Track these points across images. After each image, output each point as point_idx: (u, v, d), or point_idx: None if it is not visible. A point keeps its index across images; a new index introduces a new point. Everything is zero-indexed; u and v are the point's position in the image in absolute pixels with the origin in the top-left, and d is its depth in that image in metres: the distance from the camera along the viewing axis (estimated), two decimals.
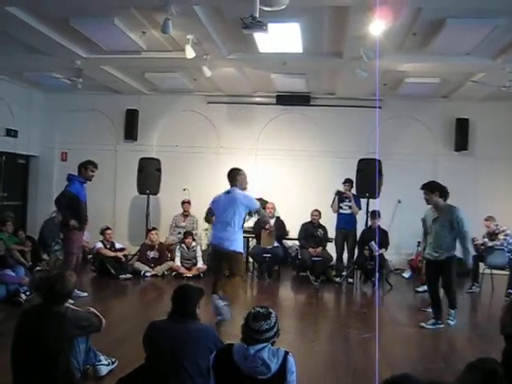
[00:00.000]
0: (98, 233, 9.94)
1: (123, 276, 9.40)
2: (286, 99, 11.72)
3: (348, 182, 9.83)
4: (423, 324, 6.64)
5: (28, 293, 7.11)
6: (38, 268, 9.35)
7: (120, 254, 9.66)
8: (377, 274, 9.20)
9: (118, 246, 9.95)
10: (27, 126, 11.83)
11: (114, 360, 4.63)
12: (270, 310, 3.34)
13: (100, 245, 9.64)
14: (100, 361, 4.46)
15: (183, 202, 11.03)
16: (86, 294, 7.73)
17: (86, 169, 7.71)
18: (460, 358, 5.53)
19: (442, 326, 6.59)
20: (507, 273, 8.94)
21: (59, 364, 3.82)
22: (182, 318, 3.72)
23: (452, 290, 6.71)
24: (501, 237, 9.13)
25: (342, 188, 9.84)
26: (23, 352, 3.80)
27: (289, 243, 10.66)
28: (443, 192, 6.67)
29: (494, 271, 9.14)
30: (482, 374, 2.49)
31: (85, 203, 7.73)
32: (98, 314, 4.40)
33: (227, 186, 11.42)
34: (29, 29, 7.40)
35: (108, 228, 9.98)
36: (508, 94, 9.19)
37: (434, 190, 6.65)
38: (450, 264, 6.57)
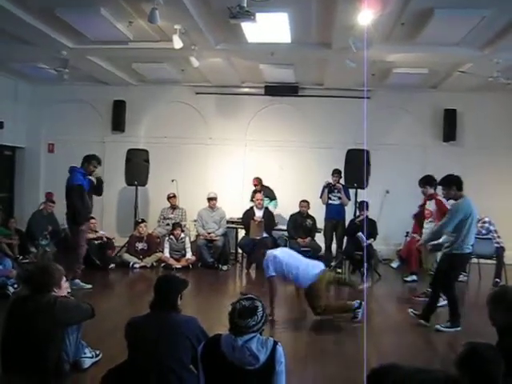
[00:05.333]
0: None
1: (112, 266, 9.46)
2: (275, 90, 11.70)
3: (337, 172, 9.85)
4: (438, 326, 6.17)
5: (16, 285, 7.05)
6: (25, 260, 9.31)
7: (101, 235, 9.66)
8: (365, 265, 9.25)
9: (102, 233, 9.91)
10: (13, 117, 11.73)
11: (97, 353, 4.60)
12: (256, 304, 3.24)
13: None
14: (84, 353, 4.44)
15: (169, 197, 10.98)
16: (90, 286, 7.81)
17: (90, 163, 7.72)
18: (448, 346, 5.59)
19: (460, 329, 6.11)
20: (495, 262, 9.02)
21: (49, 354, 3.82)
22: (163, 308, 3.70)
23: (449, 293, 6.31)
24: (479, 224, 9.18)
25: (330, 179, 9.86)
26: (13, 343, 3.79)
27: (278, 234, 10.68)
28: (460, 184, 6.25)
29: (482, 260, 9.20)
30: (461, 353, 2.52)
31: (89, 194, 7.75)
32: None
33: (215, 178, 11.53)
34: (14, 19, 7.30)
35: (92, 217, 9.90)
36: (495, 84, 9.25)
37: (451, 184, 6.27)
38: (447, 260, 6.24)
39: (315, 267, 6.42)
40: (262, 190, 10.63)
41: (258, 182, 10.75)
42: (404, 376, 2.54)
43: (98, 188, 7.96)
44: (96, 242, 9.51)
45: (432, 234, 6.56)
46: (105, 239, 9.66)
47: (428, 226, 7.54)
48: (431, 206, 7.50)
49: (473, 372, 2.48)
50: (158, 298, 3.75)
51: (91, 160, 7.73)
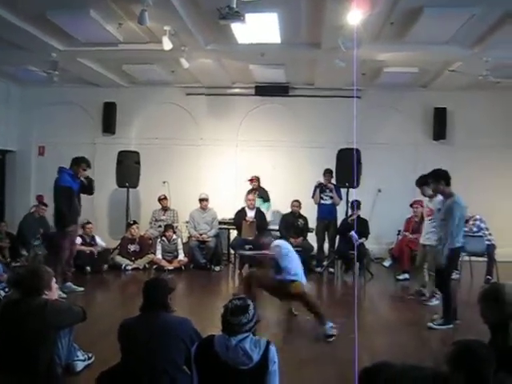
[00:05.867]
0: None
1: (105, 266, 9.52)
2: (265, 90, 11.71)
3: (328, 172, 9.88)
4: (430, 324, 6.24)
5: (7, 289, 6.98)
6: (16, 264, 9.26)
7: (93, 249, 9.54)
8: (357, 264, 9.29)
9: (98, 240, 9.86)
10: (4, 120, 11.69)
11: (90, 355, 4.59)
12: (248, 302, 3.32)
13: (78, 241, 9.43)
14: (77, 356, 4.43)
15: (160, 199, 10.96)
16: (82, 289, 7.77)
17: (79, 166, 7.60)
18: (440, 343, 5.61)
19: (452, 326, 6.23)
20: (486, 259, 9.06)
21: (41, 358, 3.80)
22: (153, 309, 3.71)
23: (444, 290, 6.37)
24: (470, 222, 9.24)
25: (322, 179, 9.88)
26: (4, 346, 3.77)
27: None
28: (448, 179, 6.28)
29: (473, 258, 9.25)
30: (459, 355, 2.53)
31: (78, 195, 7.66)
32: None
33: (206, 179, 11.52)
34: (4, 22, 7.28)
35: (88, 222, 9.87)
36: (485, 83, 9.32)
37: (439, 178, 6.30)
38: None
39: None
40: (258, 190, 10.64)
41: (256, 179, 10.71)
42: (396, 374, 2.54)
43: (88, 187, 7.88)
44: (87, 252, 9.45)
45: (451, 238, 6.29)
46: (95, 252, 9.55)
47: (428, 224, 7.57)
48: (431, 204, 7.51)
49: (466, 370, 2.48)
50: (147, 302, 3.76)
51: (80, 163, 7.62)
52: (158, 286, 3.85)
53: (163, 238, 10.01)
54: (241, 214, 10.11)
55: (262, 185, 10.86)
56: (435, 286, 6.72)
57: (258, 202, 10.43)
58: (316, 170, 10.24)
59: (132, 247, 9.93)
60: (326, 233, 9.98)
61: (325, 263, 9.86)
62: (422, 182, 7.52)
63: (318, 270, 9.74)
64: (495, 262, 9.02)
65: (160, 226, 10.64)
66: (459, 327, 6.08)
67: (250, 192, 10.43)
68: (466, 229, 8.97)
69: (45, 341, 3.85)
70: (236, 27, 7.44)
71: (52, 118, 12.16)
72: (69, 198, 7.43)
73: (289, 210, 10.13)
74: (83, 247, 9.39)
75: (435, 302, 7.19)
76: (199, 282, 9.08)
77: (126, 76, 11.22)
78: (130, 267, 9.64)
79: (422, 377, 2.54)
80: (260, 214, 10.13)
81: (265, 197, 10.74)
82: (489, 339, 3.22)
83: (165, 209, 10.98)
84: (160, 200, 10.94)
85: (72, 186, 7.50)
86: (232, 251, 10.53)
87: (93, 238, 9.78)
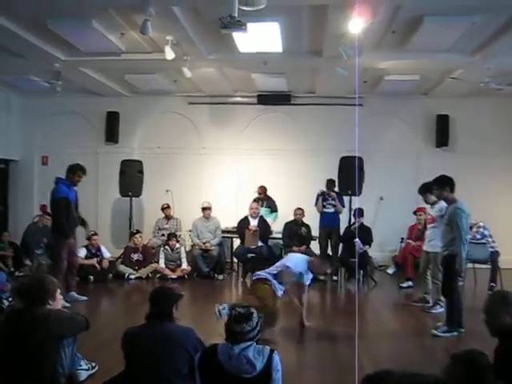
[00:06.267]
0: (82, 237, 9.79)
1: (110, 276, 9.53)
2: (267, 99, 11.73)
3: (330, 183, 9.87)
4: (434, 331, 6.20)
5: (10, 299, 6.98)
6: (20, 274, 9.27)
7: (94, 262, 9.50)
8: (361, 271, 9.28)
9: (104, 250, 9.83)
10: (6, 130, 11.71)
11: (94, 365, 4.57)
12: (251, 310, 3.30)
13: (83, 252, 9.46)
14: (80, 365, 4.41)
15: (163, 208, 10.98)
16: (85, 298, 7.78)
17: (74, 174, 7.61)
18: (445, 352, 5.58)
19: (456, 334, 6.17)
20: (489, 266, 9.03)
21: (45, 368, 3.79)
22: (159, 319, 3.70)
23: (450, 296, 6.34)
24: (474, 229, 9.22)
25: (324, 188, 9.87)
26: (7, 356, 3.76)
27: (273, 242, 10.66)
28: (453, 186, 6.29)
29: (477, 265, 9.22)
30: (464, 366, 2.50)
31: (75, 206, 7.67)
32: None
33: (209, 187, 11.52)
34: (6, 32, 7.31)
35: (95, 234, 9.82)
36: (487, 89, 9.32)
37: (444, 184, 6.30)
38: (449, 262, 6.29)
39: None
40: (266, 199, 10.65)
41: (262, 190, 10.76)
42: (398, 381, 2.54)
43: (81, 221, 7.96)
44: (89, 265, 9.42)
45: (464, 245, 6.19)
46: (98, 267, 9.51)
47: (430, 232, 7.57)
48: (433, 211, 7.51)
49: (468, 380, 2.47)
50: (154, 309, 3.75)
51: (76, 170, 7.62)
52: (164, 294, 3.85)
53: (166, 246, 10.00)
54: (244, 222, 10.10)
55: (268, 194, 10.87)
56: (441, 292, 6.70)
57: (265, 212, 10.44)
58: (318, 178, 10.23)
59: (135, 256, 9.92)
60: (329, 241, 9.97)
61: (328, 271, 9.84)
62: (425, 189, 7.51)
63: (322, 278, 9.69)
64: (499, 269, 8.99)
65: (163, 235, 10.64)
66: (463, 334, 6.05)
67: (254, 201, 10.43)
68: (470, 236, 8.93)
69: (48, 350, 3.85)
70: (238, 36, 7.45)
71: (55, 127, 12.19)
72: (66, 208, 7.43)
73: (291, 218, 10.12)
74: (86, 261, 9.35)
75: (439, 309, 7.18)
76: (202, 290, 9.07)
77: (129, 86, 11.25)
78: (133, 276, 9.63)
79: (423, 383, 2.53)
80: (263, 223, 10.12)
81: (272, 207, 10.76)
82: (496, 346, 3.20)
83: (168, 217, 10.99)
84: (163, 209, 10.96)
85: (68, 196, 7.49)
86: (235, 260, 10.53)
87: (99, 248, 9.76)
